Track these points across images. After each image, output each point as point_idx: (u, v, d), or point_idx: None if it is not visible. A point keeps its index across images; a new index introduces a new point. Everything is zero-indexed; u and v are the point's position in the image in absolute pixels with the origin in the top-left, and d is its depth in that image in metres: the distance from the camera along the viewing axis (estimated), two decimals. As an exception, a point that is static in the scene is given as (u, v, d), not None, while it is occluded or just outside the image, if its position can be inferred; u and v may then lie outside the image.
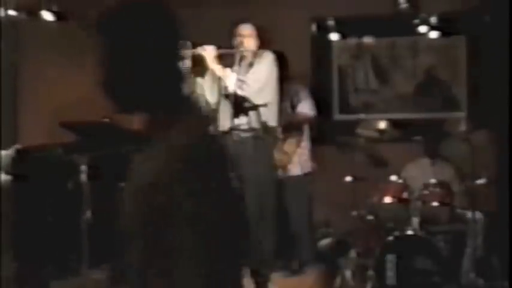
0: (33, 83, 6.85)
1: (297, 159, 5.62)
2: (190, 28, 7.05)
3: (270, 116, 4.65)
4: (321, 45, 6.65)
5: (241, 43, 4.63)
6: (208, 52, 4.50)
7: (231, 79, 4.45)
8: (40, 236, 5.30)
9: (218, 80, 4.59)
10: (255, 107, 4.57)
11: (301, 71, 6.08)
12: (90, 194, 5.14)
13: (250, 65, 4.67)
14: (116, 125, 5.85)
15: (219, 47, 4.54)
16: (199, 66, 4.62)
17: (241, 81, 4.49)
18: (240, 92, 4.47)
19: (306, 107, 5.65)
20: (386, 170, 5.65)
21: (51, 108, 6.64)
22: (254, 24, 4.76)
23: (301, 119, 5.65)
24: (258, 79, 4.58)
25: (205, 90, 4.68)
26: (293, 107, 5.64)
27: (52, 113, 6.50)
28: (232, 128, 4.56)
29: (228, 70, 4.49)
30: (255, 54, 4.70)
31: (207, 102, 4.68)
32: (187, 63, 4.57)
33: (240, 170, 4.44)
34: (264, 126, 4.61)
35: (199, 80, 4.68)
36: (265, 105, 4.58)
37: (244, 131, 4.55)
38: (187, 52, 4.53)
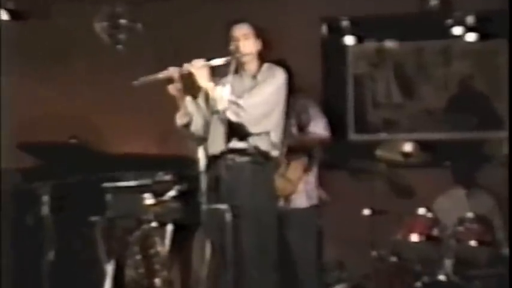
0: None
1: (303, 188, 5.58)
2: (181, 35, 7.15)
3: (273, 142, 4.66)
4: (333, 50, 6.72)
5: (237, 48, 4.67)
6: (198, 68, 4.54)
7: (223, 100, 4.48)
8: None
9: (210, 98, 4.63)
10: (251, 135, 4.61)
11: (309, 82, 6.08)
12: (53, 230, 5.20)
13: (254, 77, 4.70)
14: (86, 146, 5.93)
15: (208, 59, 4.59)
16: (191, 83, 4.67)
17: (235, 104, 4.50)
18: (234, 119, 4.48)
19: (319, 127, 5.65)
20: (413, 201, 5.71)
21: (8, 127, 6.72)
22: (252, 23, 4.79)
23: (314, 141, 5.70)
24: (258, 104, 4.55)
25: (198, 110, 4.73)
26: (301, 127, 5.66)
27: (9, 132, 6.59)
28: (225, 152, 4.60)
29: (221, 88, 4.51)
30: (260, 66, 4.71)
31: (198, 123, 4.73)
32: (178, 86, 4.64)
33: (235, 200, 4.47)
34: (264, 152, 4.65)
35: (191, 98, 4.72)
36: (266, 133, 4.61)
37: (240, 155, 4.60)
38: (174, 71, 4.60)
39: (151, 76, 4.60)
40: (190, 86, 4.64)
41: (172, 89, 4.64)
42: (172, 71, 4.60)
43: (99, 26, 6.03)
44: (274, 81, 4.66)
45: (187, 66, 4.57)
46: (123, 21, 6.07)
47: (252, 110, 4.52)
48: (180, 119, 4.72)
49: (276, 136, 4.66)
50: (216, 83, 4.56)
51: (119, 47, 6.12)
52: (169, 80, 4.62)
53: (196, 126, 4.71)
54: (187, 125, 4.71)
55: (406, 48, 6.70)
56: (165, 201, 4.94)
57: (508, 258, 5.24)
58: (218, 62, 4.60)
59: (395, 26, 6.55)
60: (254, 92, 4.60)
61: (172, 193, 4.93)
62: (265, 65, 4.72)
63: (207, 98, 4.64)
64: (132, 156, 6.05)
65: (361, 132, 6.77)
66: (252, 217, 4.53)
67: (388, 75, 6.74)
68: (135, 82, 4.60)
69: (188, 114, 4.69)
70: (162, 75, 4.61)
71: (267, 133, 4.62)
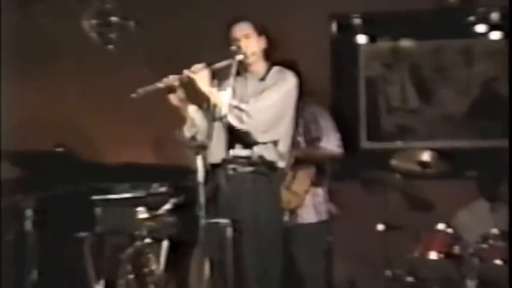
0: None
1: (311, 201, 5.58)
2: (177, 34, 7.07)
3: (280, 152, 4.63)
4: (343, 50, 6.73)
5: (239, 48, 4.67)
6: (199, 73, 4.54)
7: (225, 105, 4.47)
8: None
9: (212, 104, 4.62)
10: (257, 143, 4.55)
11: (317, 85, 6.00)
12: (37, 247, 5.19)
13: (261, 80, 4.70)
14: (73, 155, 5.92)
15: (207, 60, 4.58)
16: (192, 89, 4.67)
17: (237, 108, 4.50)
18: (237, 124, 4.48)
19: (331, 143, 5.63)
20: (431, 215, 5.69)
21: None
22: (253, 21, 4.78)
23: (323, 156, 5.65)
24: (265, 109, 4.53)
25: (203, 118, 4.73)
26: (311, 140, 5.64)
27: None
28: (227, 161, 4.60)
29: (224, 93, 4.51)
30: (267, 67, 4.69)
31: (205, 132, 4.72)
32: (180, 95, 4.64)
33: (237, 214, 4.44)
34: (269, 162, 4.65)
35: (196, 107, 4.72)
36: (273, 142, 4.60)
37: (242, 164, 4.59)
38: (174, 78, 4.60)
39: (150, 86, 4.58)
40: (193, 93, 4.64)
41: (174, 99, 4.64)
42: (172, 79, 4.59)
43: (88, 24, 6.02)
44: (284, 85, 4.64)
45: (187, 72, 4.57)
46: (114, 18, 6.06)
47: (258, 116, 4.50)
48: (188, 132, 4.70)
49: (284, 146, 4.64)
50: (219, 87, 4.57)
51: (110, 47, 6.12)
52: (170, 89, 4.63)
53: (203, 135, 4.70)
54: (194, 136, 4.71)
55: (424, 47, 6.71)
56: (160, 215, 4.94)
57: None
58: (220, 65, 4.59)
59: (412, 24, 6.56)
60: (262, 97, 4.58)
61: (167, 206, 4.93)
62: (275, 68, 4.71)
63: (209, 104, 4.64)
64: (124, 166, 6.05)
65: (374, 140, 6.77)
66: (254, 232, 4.50)
67: (403, 78, 6.74)
68: (133, 95, 4.57)
69: (195, 126, 4.68)
70: (161, 84, 4.60)
71: (275, 142, 4.62)
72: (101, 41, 6.09)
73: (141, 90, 4.56)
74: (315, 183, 5.61)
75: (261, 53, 4.71)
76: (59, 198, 5.40)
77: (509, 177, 5.44)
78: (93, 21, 6.01)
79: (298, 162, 5.42)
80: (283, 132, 4.64)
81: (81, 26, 6.03)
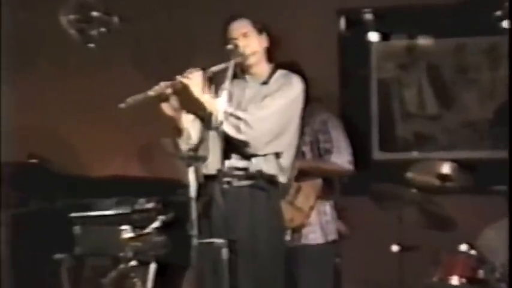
0: None
1: (317, 219, 5.55)
2: (167, 31, 7.07)
3: (281, 166, 4.64)
4: (353, 49, 6.72)
5: (237, 48, 4.66)
6: (193, 79, 4.54)
7: (221, 113, 4.46)
8: None
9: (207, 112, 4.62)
10: (256, 155, 4.56)
11: (324, 88, 5.99)
12: (9, 269, 5.18)
13: (264, 84, 4.68)
14: (50, 167, 5.91)
15: (200, 62, 4.57)
16: (186, 96, 4.66)
17: (234, 116, 4.50)
18: (233, 134, 4.48)
19: (342, 158, 5.57)
20: (452, 235, 5.65)
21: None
22: (252, 18, 4.78)
23: (332, 172, 5.62)
24: (267, 117, 4.53)
25: (196, 125, 4.72)
26: (317, 151, 5.59)
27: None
28: (222, 173, 4.58)
29: (219, 100, 4.51)
30: (271, 69, 4.70)
31: (196, 141, 4.72)
32: (174, 104, 4.63)
33: (233, 233, 4.42)
34: (269, 176, 4.63)
35: (192, 116, 4.71)
36: (275, 154, 4.61)
37: (238, 177, 4.58)
38: (166, 85, 4.59)
39: (140, 95, 4.55)
40: (188, 101, 4.63)
41: (168, 108, 4.62)
42: (164, 86, 4.58)
43: (66, 20, 6.00)
44: (290, 91, 4.62)
45: (179, 78, 4.57)
46: (95, 13, 6.04)
47: (258, 126, 4.47)
48: (185, 144, 4.69)
49: (286, 158, 4.62)
50: (216, 93, 4.57)
51: (91, 45, 6.10)
52: (162, 97, 4.61)
53: (199, 147, 4.70)
54: (191, 149, 4.68)
55: (443, 46, 6.67)
56: (147, 235, 4.93)
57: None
58: (216, 68, 4.58)
59: (430, 19, 6.53)
60: (264, 104, 4.57)
61: (155, 224, 4.93)
62: (280, 72, 4.69)
63: (206, 112, 4.63)
64: (106, 179, 6.05)
65: (387, 150, 6.77)
66: (252, 254, 4.51)
67: (420, 80, 6.72)
68: (121, 105, 4.54)
69: (191, 138, 4.67)
70: (152, 92, 4.58)
71: (277, 154, 4.60)
72: (80, 39, 6.07)
73: (130, 100, 4.53)
74: (322, 197, 5.59)
75: (263, 53, 4.70)
76: (33, 216, 5.38)
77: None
78: (72, 17, 5.98)
79: (303, 175, 5.41)
80: (286, 143, 4.61)
81: (59, 22, 6.00)
